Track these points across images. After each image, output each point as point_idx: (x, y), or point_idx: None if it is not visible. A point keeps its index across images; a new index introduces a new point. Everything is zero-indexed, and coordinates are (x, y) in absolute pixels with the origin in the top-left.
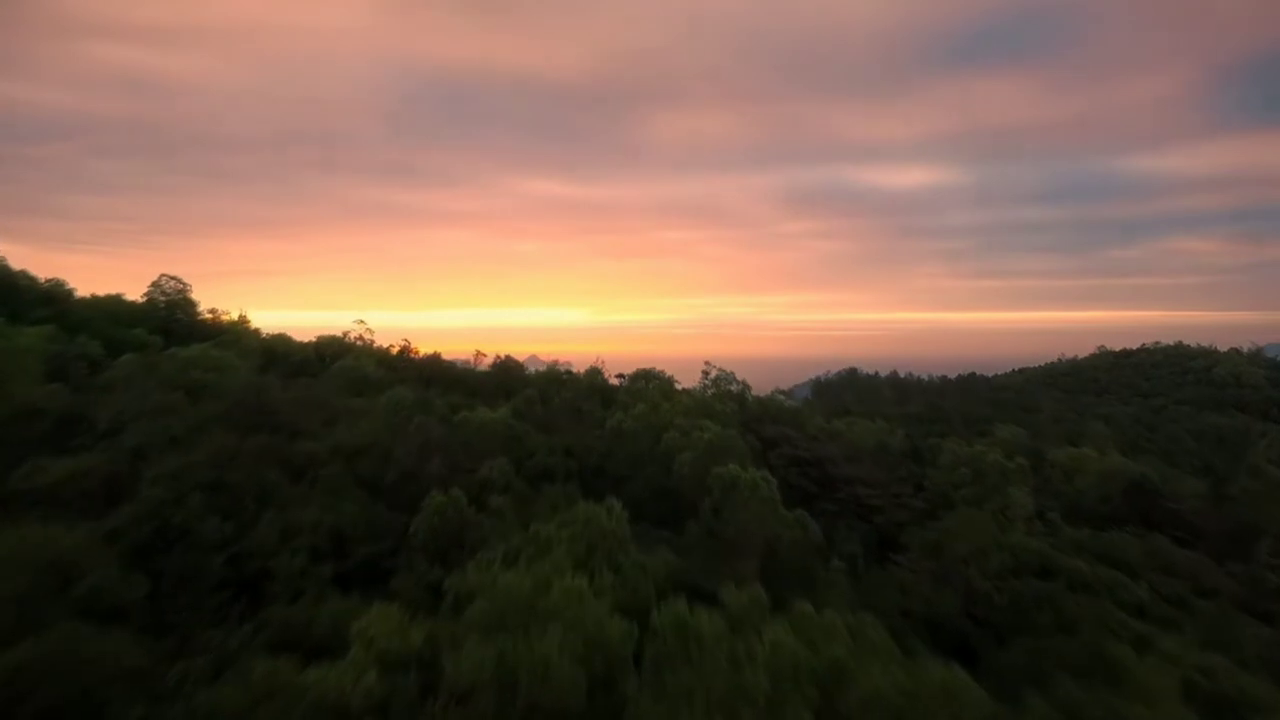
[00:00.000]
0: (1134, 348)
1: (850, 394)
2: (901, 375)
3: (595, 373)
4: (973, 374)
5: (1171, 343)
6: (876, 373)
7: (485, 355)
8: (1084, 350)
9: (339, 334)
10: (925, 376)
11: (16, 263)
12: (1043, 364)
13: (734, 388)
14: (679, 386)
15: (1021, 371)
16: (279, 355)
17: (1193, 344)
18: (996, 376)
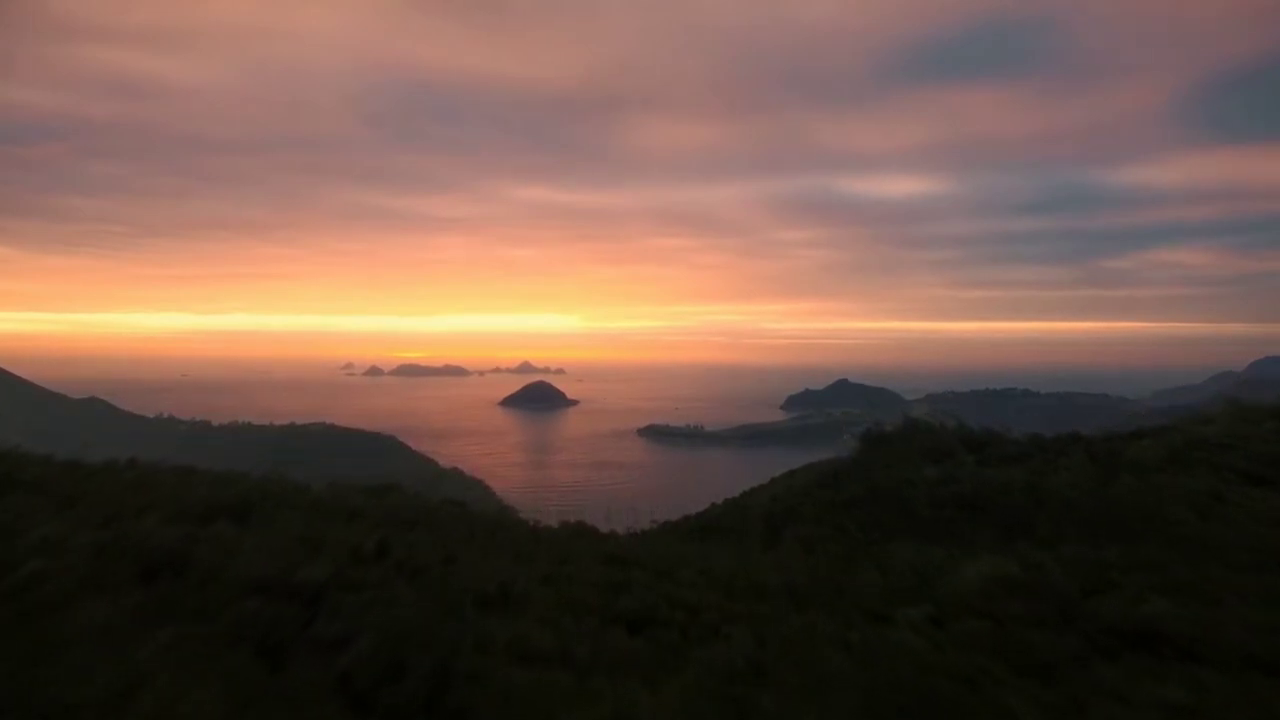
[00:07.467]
0: None
1: (929, 461)
2: (968, 427)
3: None
4: (1075, 434)
5: None
6: (942, 424)
7: None
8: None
9: None
10: (999, 430)
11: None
12: (1180, 400)
13: None
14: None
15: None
16: None
17: None
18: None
